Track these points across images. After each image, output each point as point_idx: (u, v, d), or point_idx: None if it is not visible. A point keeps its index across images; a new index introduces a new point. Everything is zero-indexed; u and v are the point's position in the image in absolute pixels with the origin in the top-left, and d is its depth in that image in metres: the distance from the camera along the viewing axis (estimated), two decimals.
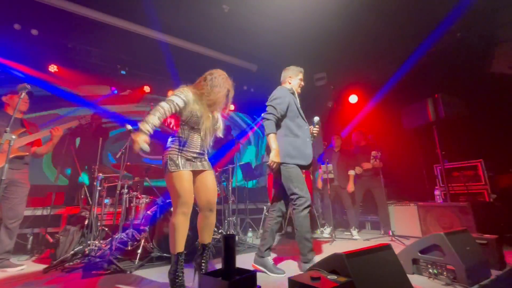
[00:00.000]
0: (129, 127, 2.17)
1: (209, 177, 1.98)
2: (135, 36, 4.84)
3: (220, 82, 1.99)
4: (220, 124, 2.11)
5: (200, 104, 1.91)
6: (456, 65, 4.30)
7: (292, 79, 2.60)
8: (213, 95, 1.95)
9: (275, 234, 2.38)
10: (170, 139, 1.94)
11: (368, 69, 5.43)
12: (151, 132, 1.70)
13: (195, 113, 1.88)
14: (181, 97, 1.86)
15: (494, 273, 2.02)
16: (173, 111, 1.83)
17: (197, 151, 1.92)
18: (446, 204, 3.18)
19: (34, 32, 4.34)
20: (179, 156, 1.85)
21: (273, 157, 2.19)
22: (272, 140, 2.23)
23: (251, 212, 4.75)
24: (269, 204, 4.42)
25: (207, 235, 1.98)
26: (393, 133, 4.84)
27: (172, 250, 1.80)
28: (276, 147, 2.22)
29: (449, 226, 3.08)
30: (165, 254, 2.69)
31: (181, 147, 1.87)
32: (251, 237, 3.69)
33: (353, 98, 5.81)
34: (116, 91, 5.30)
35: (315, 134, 2.49)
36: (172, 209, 2.83)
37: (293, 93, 2.51)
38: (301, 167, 2.30)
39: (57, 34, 4.58)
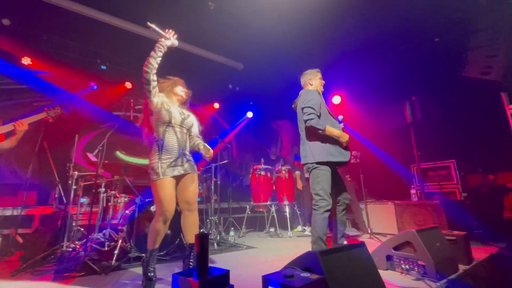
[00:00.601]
0: None
1: (190, 179, 2.02)
2: (117, 30, 4.68)
3: (176, 83, 2.21)
4: (193, 121, 2.16)
5: (169, 99, 2.07)
6: (433, 69, 4.48)
7: (313, 81, 2.68)
8: (167, 90, 2.14)
9: (345, 222, 2.51)
10: (152, 143, 2.01)
11: (351, 71, 5.55)
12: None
13: (164, 106, 1.98)
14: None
15: (462, 267, 2.12)
16: (154, 79, 1.99)
17: (176, 151, 1.95)
18: (421, 203, 3.32)
19: (6, 22, 4.10)
20: (160, 164, 1.89)
21: (343, 137, 2.34)
22: (330, 129, 2.33)
23: (234, 211, 4.74)
24: (252, 203, 4.44)
25: (191, 235, 1.99)
26: (373, 134, 4.99)
27: (149, 247, 1.95)
28: (338, 131, 2.36)
29: (423, 223, 3.22)
30: (143, 254, 2.62)
31: (160, 153, 1.91)
32: (233, 236, 3.68)
33: (336, 99, 5.92)
34: (95, 87, 5.11)
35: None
36: (151, 208, 2.83)
37: (319, 94, 2.58)
38: (341, 163, 2.41)
39: (31, 25, 4.34)
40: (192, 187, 2.01)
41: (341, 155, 2.38)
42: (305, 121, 2.37)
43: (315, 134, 2.41)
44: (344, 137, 2.35)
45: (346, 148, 2.44)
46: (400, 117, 3.66)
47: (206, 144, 2.11)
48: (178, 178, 1.97)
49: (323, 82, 2.72)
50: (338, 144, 2.40)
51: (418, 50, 4.65)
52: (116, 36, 4.81)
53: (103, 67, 5.10)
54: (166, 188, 1.85)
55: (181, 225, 2.02)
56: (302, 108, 2.42)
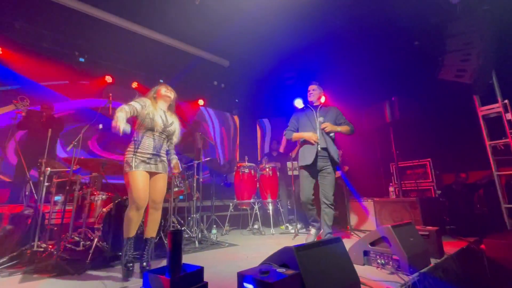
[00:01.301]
0: (100, 126, 2.45)
1: (160, 180, 2.18)
2: (97, 21, 4.49)
3: (159, 86, 2.35)
4: (175, 129, 2.30)
5: (153, 107, 2.17)
6: (412, 71, 4.65)
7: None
8: (158, 96, 2.28)
9: (325, 222, 2.86)
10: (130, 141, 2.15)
11: (334, 71, 5.65)
12: (124, 120, 1.90)
13: (149, 115, 2.11)
14: (140, 103, 2.12)
15: (433, 261, 2.21)
16: (132, 113, 2.06)
17: (150, 152, 2.10)
18: (398, 200, 3.43)
19: None
20: (134, 158, 2.04)
21: (309, 137, 2.87)
22: (296, 134, 3.02)
23: (218, 209, 4.71)
24: (235, 200, 4.42)
25: (152, 230, 2.19)
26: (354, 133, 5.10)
27: (125, 235, 2.06)
28: (303, 133, 2.95)
29: (400, 220, 3.33)
30: (119, 253, 2.53)
31: (135, 149, 2.07)
32: (215, 234, 3.65)
33: (321, 98, 6.00)
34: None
35: (326, 131, 2.91)
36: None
37: (308, 108, 3.11)
38: (307, 166, 2.90)
39: (2, 11, 4.08)
40: (160, 187, 2.17)
41: (303, 160, 2.93)
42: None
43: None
44: (308, 135, 2.88)
45: (314, 151, 2.87)
46: (380, 117, 3.77)
47: (178, 161, 2.41)
48: (150, 175, 2.13)
49: (310, 92, 3.14)
50: (304, 151, 2.95)
51: (399, 52, 4.80)
52: (97, 27, 4.62)
53: (81, 59, 4.89)
54: (138, 179, 1.99)
55: (144, 220, 2.20)
56: None
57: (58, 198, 3.37)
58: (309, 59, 5.55)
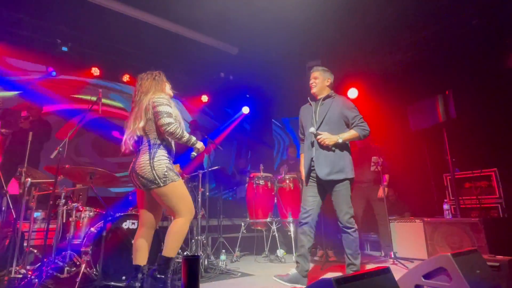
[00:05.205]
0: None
1: None
2: (82, 5, 4.66)
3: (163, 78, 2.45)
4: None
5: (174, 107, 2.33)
6: (471, 57, 4.54)
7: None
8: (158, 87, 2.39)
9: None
10: (154, 146, 2.23)
11: (370, 58, 5.59)
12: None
13: (178, 119, 2.29)
14: (172, 106, 2.28)
15: None
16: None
17: (172, 157, 2.34)
18: (455, 220, 3.35)
19: None
20: (172, 166, 2.24)
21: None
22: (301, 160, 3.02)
23: (226, 229, 4.73)
24: (248, 219, 4.44)
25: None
26: (397, 135, 5.02)
27: (173, 254, 2.18)
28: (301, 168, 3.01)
29: (458, 246, 3.24)
30: (112, 283, 2.60)
31: (170, 158, 2.27)
32: (224, 261, 3.66)
33: (352, 92, 5.96)
34: (54, 73, 5.07)
35: (324, 144, 2.65)
36: (123, 224, 2.83)
37: (309, 106, 2.95)
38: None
39: None
40: None
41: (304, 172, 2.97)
42: None
43: None
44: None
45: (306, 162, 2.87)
46: (431, 116, 3.70)
47: None
48: None
49: (311, 82, 2.88)
50: (303, 160, 2.96)
51: (453, 34, 4.70)
52: (82, 12, 4.78)
53: (64, 48, 5.07)
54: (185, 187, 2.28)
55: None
56: None
57: (38, 214, 3.50)
58: (337, 43, 5.51)
